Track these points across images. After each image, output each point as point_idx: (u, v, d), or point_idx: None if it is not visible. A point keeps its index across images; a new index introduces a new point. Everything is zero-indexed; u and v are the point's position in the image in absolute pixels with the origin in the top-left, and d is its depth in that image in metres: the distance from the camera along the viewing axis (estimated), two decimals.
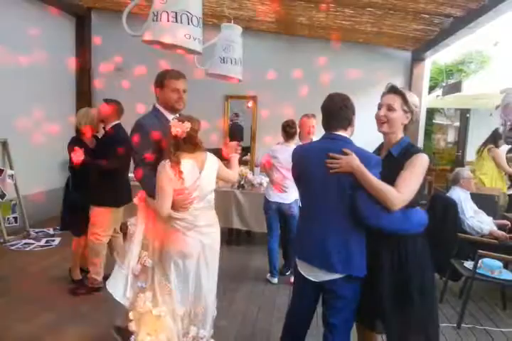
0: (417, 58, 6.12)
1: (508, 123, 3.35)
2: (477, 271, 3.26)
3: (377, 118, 2.06)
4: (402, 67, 6.26)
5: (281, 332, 2.24)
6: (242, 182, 5.11)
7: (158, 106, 2.52)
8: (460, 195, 4.00)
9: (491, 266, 3.31)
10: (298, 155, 2.14)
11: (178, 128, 2.16)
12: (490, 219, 4.07)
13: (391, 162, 1.98)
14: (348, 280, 1.95)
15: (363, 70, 5.93)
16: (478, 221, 3.94)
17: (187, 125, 2.17)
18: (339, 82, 5.56)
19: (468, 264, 3.46)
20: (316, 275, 2.00)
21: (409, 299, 1.94)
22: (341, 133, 2.02)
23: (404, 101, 2.00)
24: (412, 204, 1.93)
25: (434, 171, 7.10)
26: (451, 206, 3.89)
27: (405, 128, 2.06)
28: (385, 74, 6.17)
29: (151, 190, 2.27)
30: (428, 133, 7.98)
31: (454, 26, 4.64)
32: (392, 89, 2.04)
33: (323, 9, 4.76)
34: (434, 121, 9.16)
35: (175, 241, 2.27)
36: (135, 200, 2.43)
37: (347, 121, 2.02)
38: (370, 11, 4.74)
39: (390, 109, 2.01)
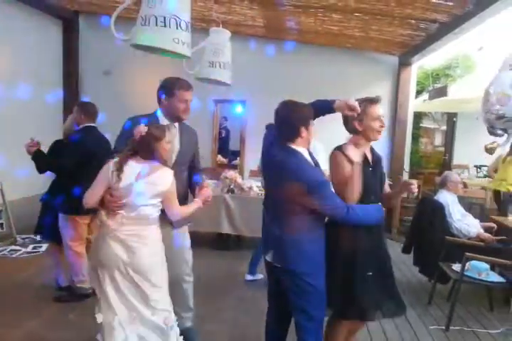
0: (404, 63, 6.19)
1: (499, 112, 3.43)
2: (465, 273, 3.30)
3: (380, 129, 2.20)
4: (389, 71, 6.33)
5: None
6: (231, 187, 5.09)
7: (159, 112, 2.53)
8: (447, 198, 4.04)
9: (478, 268, 3.35)
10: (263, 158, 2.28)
11: (137, 130, 2.17)
12: (477, 221, 4.12)
13: (378, 164, 2.28)
14: (286, 271, 2.09)
15: (351, 75, 6.00)
16: (465, 224, 3.98)
17: (143, 129, 2.16)
18: (327, 86, 5.61)
19: (456, 267, 3.49)
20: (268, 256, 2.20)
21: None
22: (292, 145, 2.09)
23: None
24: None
25: (422, 175, 7.17)
26: (439, 209, 3.94)
27: None
28: (372, 78, 6.24)
29: None
30: (415, 137, 8.06)
31: (439, 31, 4.72)
32: (380, 100, 2.22)
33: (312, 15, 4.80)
34: (421, 124, 9.26)
35: (95, 246, 2.24)
36: None
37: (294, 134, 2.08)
38: (358, 16, 4.79)
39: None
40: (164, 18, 2.14)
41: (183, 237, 2.64)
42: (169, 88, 2.47)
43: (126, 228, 2.17)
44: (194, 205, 2.42)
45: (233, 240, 5.31)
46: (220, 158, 6.83)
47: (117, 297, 2.18)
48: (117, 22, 2.41)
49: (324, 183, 2.01)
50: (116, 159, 2.17)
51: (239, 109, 6.55)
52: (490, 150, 4.22)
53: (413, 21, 4.74)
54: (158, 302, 2.22)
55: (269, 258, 2.18)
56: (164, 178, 2.21)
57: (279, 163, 2.05)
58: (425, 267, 4.08)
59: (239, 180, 5.26)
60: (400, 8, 4.35)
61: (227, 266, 4.51)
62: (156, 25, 2.12)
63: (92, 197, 2.17)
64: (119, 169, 2.13)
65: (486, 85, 3.57)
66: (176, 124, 2.58)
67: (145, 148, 2.18)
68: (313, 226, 2.08)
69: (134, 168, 2.16)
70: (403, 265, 4.85)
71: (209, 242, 5.08)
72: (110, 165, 2.17)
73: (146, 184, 2.16)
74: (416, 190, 2.21)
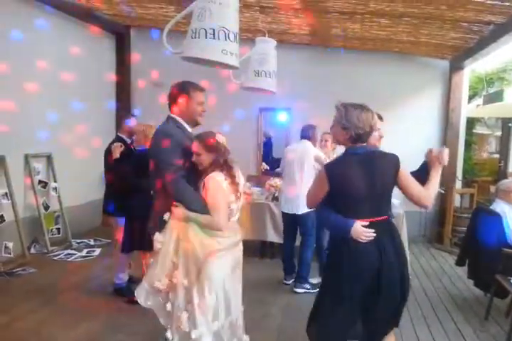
0: (456, 67, 5.96)
1: None
2: None
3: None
4: (439, 76, 6.12)
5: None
6: (276, 195, 5.08)
7: (176, 117, 2.46)
8: (504, 208, 3.81)
9: None
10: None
11: (223, 141, 2.28)
12: None
13: None
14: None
15: (400, 80, 5.86)
16: None
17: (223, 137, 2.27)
18: (375, 92, 5.50)
19: None
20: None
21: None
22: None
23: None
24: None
25: (476, 183, 6.83)
26: (496, 219, 3.73)
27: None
28: (422, 84, 6.06)
29: (192, 203, 2.24)
30: (468, 144, 7.69)
31: (494, 33, 4.51)
32: None
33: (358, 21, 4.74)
34: (474, 130, 8.84)
35: (215, 260, 2.26)
36: (166, 216, 2.34)
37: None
38: (407, 20, 4.68)
39: None
40: (213, 30, 2.20)
41: None
42: (185, 90, 2.41)
43: (234, 231, 2.41)
44: None
45: (277, 248, 5.27)
46: (264, 165, 6.84)
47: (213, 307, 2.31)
48: (167, 35, 2.49)
49: None
50: (222, 176, 2.25)
51: (283, 116, 6.57)
52: None
53: (465, 24, 4.57)
54: None
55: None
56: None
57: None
58: (481, 280, 3.87)
59: None
60: (451, 11, 4.20)
61: (271, 274, 4.48)
62: (206, 37, 2.19)
63: (225, 221, 2.26)
64: (236, 184, 2.29)
65: None
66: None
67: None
68: None
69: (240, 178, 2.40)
70: (457, 278, 4.63)
71: (252, 250, 5.07)
72: (221, 183, 2.23)
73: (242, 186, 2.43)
74: (446, 158, 2.22)
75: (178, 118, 2.45)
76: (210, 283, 2.24)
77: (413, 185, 2.10)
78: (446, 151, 2.23)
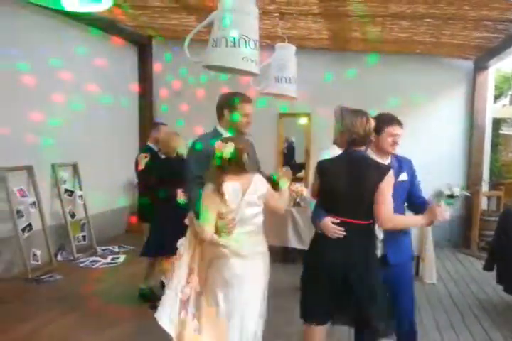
0: (480, 67, 5.84)
1: None
2: None
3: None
4: (463, 76, 6.00)
5: None
6: (297, 200, 5.05)
7: (220, 128, 2.51)
8: None
9: None
10: None
11: (222, 149, 2.13)
12: None
13: None
14: None
15: (422, 82, 5.77)
16: None
17: (230, 145, 2.13)
18: (397, 95, 5.42)
19: None
20: None
21: None
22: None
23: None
24: None
25: (503, 185, 6.64)
26: None
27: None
28: (445, 85, 5.96)
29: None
30: (494, 145, 7.50)
31: None
32: None
33: (379, 24, 4.69)
34: (500, 131, 8.61)
35: (219, 268, 2.21)
36: (186, 221, 2.39)
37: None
38: (428, 21, 4.62)
39: None
40: (234, 38, 2.22)
41: None
42: (231, 102, 2.45)
43: (246, 243, 2.24)
44: (285, 191, 2.51)
45: (300, 254, 5.23)
46: None
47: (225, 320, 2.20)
48: (188, 45, 2.52)
49: None
50: (211, 185, 2.16)
51: (303, 121, 6.56)
52: None
53: (489, 23, 4.47)
54: None
55: None
56: (258, 182, 2.27)
57: None
58: (510, 285, 3.76)
59: (305, 193, 5.20)
60: (475, 11, 4.13)
61: (293, 280, 4.43)
62: (227, 46, 2.21)
63: (208, 229, 2.15)
64: (222, 194, 2.13)
65: None
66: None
67: (238, 163, 2.19)
68: None
69: (231, 186, 2.16)
70: (485, 283, 4.50)
71: (274, 256, 5.02)
72: (209, 192, 2.15)
73: (250, 195, 2.22)
74: (447, 217, 2.14)
75: (221, 130, 2.49)
76: (212, 294, 2.20)
77: (382, 202, 2.10)
78: (447, 213, 2.16)
